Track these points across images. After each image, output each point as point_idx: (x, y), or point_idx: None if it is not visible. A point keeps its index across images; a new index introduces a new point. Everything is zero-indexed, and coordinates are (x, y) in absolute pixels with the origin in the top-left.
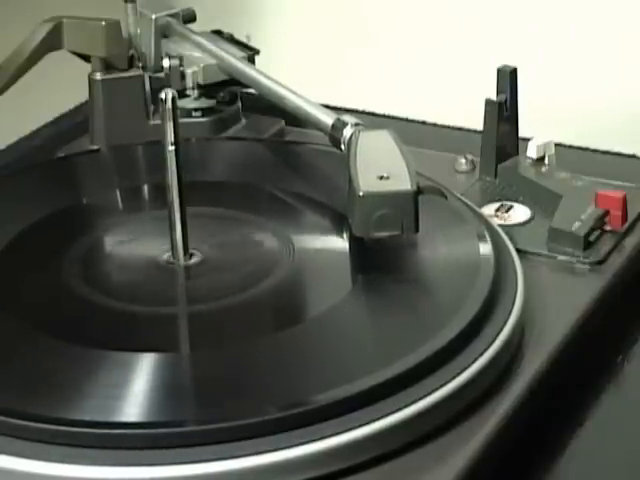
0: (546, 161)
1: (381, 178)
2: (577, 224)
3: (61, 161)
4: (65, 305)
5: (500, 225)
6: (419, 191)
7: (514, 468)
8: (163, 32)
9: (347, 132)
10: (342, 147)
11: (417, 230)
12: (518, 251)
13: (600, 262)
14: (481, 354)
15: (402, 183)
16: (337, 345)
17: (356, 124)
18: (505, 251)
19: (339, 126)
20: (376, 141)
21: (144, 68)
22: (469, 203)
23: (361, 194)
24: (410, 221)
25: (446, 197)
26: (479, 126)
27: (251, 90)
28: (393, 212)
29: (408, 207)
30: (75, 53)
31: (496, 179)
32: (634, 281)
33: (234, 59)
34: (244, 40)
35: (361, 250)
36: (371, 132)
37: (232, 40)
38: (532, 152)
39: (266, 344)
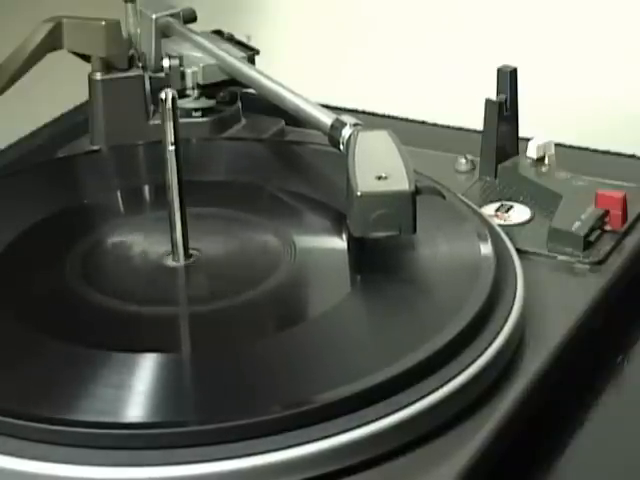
0: (546, 161)
1: (379, 178)
2: (577, 224)
3: (61, 161)
4: (66, 305)
5: (500, 225)
6: (417, 191)
7: (514, 468)
8: (163, 32)
9: (346, 132)
10: (341, 147)
11: (415, 231)
12: (518, 251)
13: (600, 262)
14: (481, 354)
15: (400, 183)
16: (337, 345)
17: (355, 124)
18: (505, 251)
19: (338, 126)
20: (375, 141)
21: (144, 68)
22: (469, 203)
23: (359, 194)
24: (408, 221)
25: (444, 197)
26: (479, 126)
27: (251, 90)
28: (391, 212)
29: (406, 207)
30: (75, 53)
31: (496, 179)
32: (634, 281)
33: (234, 59)
34: (244, 40)
35: (363, 250)
36: (370, 132)
37: (232, 40)
38: (532, 152)
39: (266, 344)
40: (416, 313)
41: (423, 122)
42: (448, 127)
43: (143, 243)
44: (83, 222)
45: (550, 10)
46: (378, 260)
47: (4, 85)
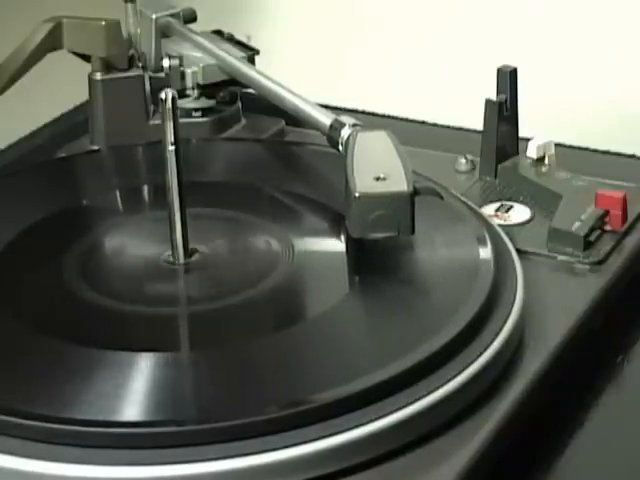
0: (546, 161)
1: (377, 179)
2: (577, 224)
3: (61, 161)
4: (65, 305)
5: (500, 225)
6: (415, 192)
7: (514, 468)
8: (163, 32)
9: (345, 133)
10: (340, 148)
11: (413, 231)
12: (518, 251)
13: (600, 262)
14: (481, 354)
15: (398, 184)
16: (337, 345)
17: (354, 125)
18: (505, 251)
19: (337, 127)
20: (373, 142)
21: (144, 68)
22: (469, 203)
23: (357, 195)
24: (406, 222)
25: (442, 198)
26: (479, 126)
27: (251, 90)
28: (389, 213)
29: (404, 208)
30: (75, 53)
31: (496, 179)
32: (634, 281)
33: (234, 59)
34: (244, 40)
35: (361, 251)
36: (368, 133)
37: (232, 40)
38: (532, 152)
39: (265, 344)
40: (416, 313)
41: (423, 122)
42: (448, 127)
43: (143, 243)
44: (83, 222)
45: (550, 10)
46: (377, 261)
47: (4, 85)
